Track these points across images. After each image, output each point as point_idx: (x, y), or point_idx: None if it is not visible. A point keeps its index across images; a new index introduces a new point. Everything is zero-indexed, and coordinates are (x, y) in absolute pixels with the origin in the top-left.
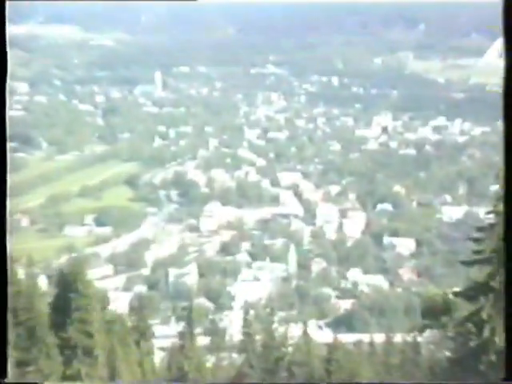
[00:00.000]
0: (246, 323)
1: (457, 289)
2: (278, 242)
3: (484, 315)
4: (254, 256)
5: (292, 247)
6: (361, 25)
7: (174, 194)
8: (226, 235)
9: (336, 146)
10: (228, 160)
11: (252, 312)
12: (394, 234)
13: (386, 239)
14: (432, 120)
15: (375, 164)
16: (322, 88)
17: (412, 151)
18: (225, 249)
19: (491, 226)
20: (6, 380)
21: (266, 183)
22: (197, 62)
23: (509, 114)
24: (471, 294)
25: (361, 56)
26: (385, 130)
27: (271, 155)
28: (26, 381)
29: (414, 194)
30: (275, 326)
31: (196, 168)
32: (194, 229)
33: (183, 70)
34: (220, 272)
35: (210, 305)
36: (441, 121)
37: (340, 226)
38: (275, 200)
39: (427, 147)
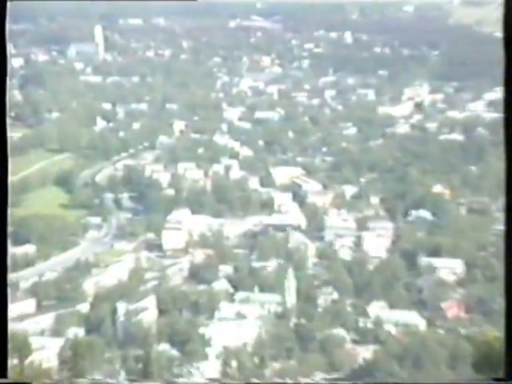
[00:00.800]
0: (226, 377)
1: None
2: (271, 265)
3: None
4: (237, 284)
5: (290, 272)
6: None
7: (124, 197)
8: (199, 255)
9: (351, 130)
10: (200, 150)
11: (234, 363)
12: (435, 252)
13: (423, 260)
14: (487, 92)
15: (406, 154)
16: (332, 48)
17: (459, 136)
18: (196, 274)
19: None
20: (5, 380)
21: (254, 182)
22: (153, 11)
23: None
24: None
25: (385, 1)
26: (420, 106)
27: (260, 143)
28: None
29: (462, 197)
30: (267, 381)
31: (155, 161)
32: (154, 247)
33: (134, 22)
34: (189, 307)
35: (174, 353)
36: (499, 93)
37: (358, 242)
38: (267, 206)
39: (480, 130)
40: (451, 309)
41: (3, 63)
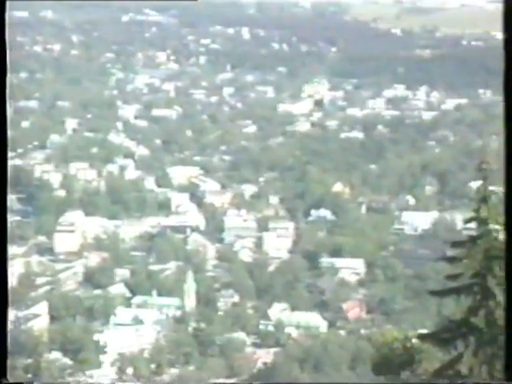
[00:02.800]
0: None
1: (424, 330)
2: (170, 267)
3: (463, 368)
4: (134, 288)
5: (190, 274)
6: None
7: (13, 199)
8: (94, 259)
9: (250, 128)
10: (94, 149)
11: (130, 370)
12: (336, 252)
13: (324, 261)
14: (386, 89)
15: (306, 152)
16: (229, 44)
17: (358, 134)
18: (91, 279)
19: (472, 239)
20: (5, 380)
21: (150, 182)
22: (40, 3)
23: (509, 117)
24: (444, 337)
25: None
26: (319, 103)
27: (157, 142)
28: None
29: (362, 196)
30: None
31: (46, 161)
32: (46, 250)
33: (20, 15)
34: (84, 313)
35: (66, 361)
36: (399, 90)
37: (258, 243)
38: (164, 206)
39: (380, 128)
40: (352, 310)
41: (3, 62)
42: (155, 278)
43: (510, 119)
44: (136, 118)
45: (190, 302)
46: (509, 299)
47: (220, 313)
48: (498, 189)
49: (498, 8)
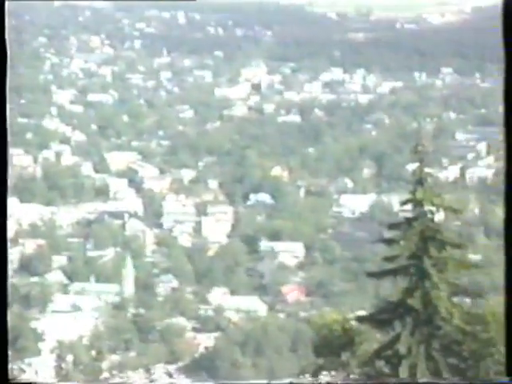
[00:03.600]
0: (61, 374)
1: (362, 312)
2: (108, 254)
3: (401, 348)
4: (71, 275)
5: (128, 260)
6: None
7: None
8: (30, 246)
9: (188, 113)
10: (29, 135)
11: (70, 357)
12: (275, 236)
13: (264, 244)
14: (323, 72)
15: (244, 137)
16: (165, 28)
17: (296, 117)
18: (28, 266)
19: (408, 220)
20: (5, 380)
21: (87, 168)
22: None
23: (509, 120)
24: (382, 318)
25: None
26: (257, 87)
27: (93, 127)
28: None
29: (300, 179)
30: (105, 375)
31: None
32: None
33: None
34: (20, 300)
35: None
36: (336, 73)
37: (197, 228)
38: (102, 192)
39: (317, 111)
40: (292, 292)
41: (3, 62)
42: (93, 264)
43: (509, 119)
44: (71, 103)
45: (129, 288)
46: (509, 296)
47: (159, 298)
48: (433, 170)
49: None
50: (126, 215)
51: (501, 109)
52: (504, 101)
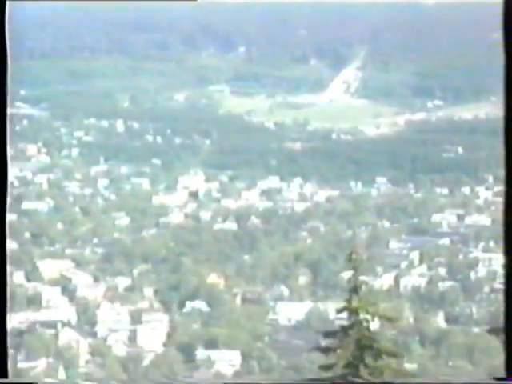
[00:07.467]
0: None
1: None
2: (40, 364)
3: None
4: None
5: (61, 370)
6: (155, 45)
7: None
8: None
9: (124, 220)
10: None
11: None
12: (212, 344)
13: (200, 353)
14: (260, 180)
15: (180, 244)
16: (103, 136)
17: (232, 225)
18: None
19: (344, 329)
20: (5, 380)
21: (19, 276)
22: None
23: (509, 121)
24: None
25: (156, 90)
26: (194, 195)
27: (26, 235)
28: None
29: (236, 287)
30: None
31: None
32: None
33: None
34: None
35: None
36: (272, 182)
37: (132, 337)
38: (34, 301)
39: (253, 219)
40: None
41: (3, 62)
42: (24, 376)
43: (509, 120)
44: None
45: None
46: (508, 297)
47: None
48: (367, 278)
49: (365, 104)
50: (59, 324)
51: (433, 218)
52: (504, 101)
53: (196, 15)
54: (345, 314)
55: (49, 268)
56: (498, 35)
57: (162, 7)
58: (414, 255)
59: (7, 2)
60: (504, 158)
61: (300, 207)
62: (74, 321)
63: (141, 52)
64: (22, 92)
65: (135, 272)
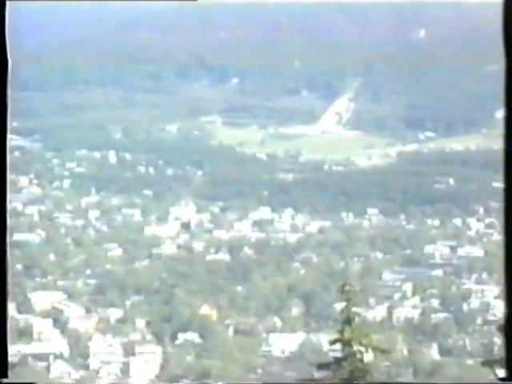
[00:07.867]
0: None
1: None
2: None
3: None
4: None
5: None
6: (148, 76)
7: None
8: None
9: (116, 251)
10: None
11: None
12: (204, 376)
13: None
14: (252, 211)
15: (173, 275)
16: (95, 168)
17: (225, 256)
18: None
19: (337, 360)
20: (5, 380)
21: (10, 309)
22: None
23: (509, 123)
24: None
25: (148, 121)
26: (186, 226)
27: (18, 267)
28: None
29: (229, 318)
30: None
31: None
32: None
33: None
34: None
35: None
36: (264, 212)
37: (125, 369)
38: (26, 334)
39: (246, 250)
40: None
41: (3, 63)
42: None
43: (509, 120)
44: None
45: None
46: (509, 298)
47: None
48: (360, 310)
49: (357, 135)
50: (51, 357)
51: (425, 250)
52: (504, 102)
53: (191, 46)
54: (338, 346)
55: (40, 300)
56: (489, 68)
57: (154, 38)
58: (407, 286)
59: (7, 2)
60: (504, 158)
61: (292, 238)
62: (66, 353)
63: (132, 83)
64: (16, 123)
65: (127, 303)
